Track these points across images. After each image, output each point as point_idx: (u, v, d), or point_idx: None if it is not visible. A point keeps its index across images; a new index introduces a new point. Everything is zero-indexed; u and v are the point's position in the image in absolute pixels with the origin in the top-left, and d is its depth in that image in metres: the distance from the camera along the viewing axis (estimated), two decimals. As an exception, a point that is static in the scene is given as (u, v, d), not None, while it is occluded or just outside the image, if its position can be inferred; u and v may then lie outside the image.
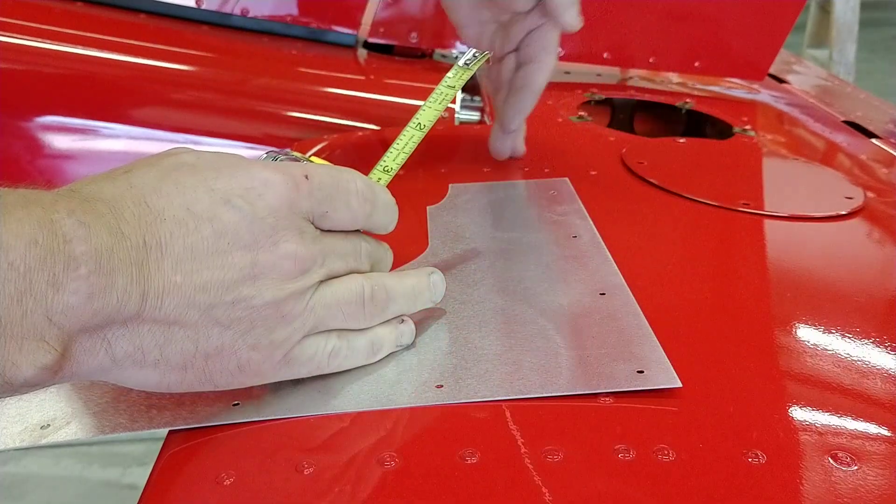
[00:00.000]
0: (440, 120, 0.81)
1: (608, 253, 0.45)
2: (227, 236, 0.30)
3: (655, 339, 0.36)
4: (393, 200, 0.37)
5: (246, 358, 0.31)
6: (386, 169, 0.40)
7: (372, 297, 0.35)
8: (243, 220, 0.30)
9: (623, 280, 0.42)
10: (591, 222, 0.49)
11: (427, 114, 0.40)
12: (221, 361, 0.31)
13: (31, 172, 0.80)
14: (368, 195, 0.35)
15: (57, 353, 0.27)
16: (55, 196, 0.28)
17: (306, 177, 0.32)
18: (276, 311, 0.31)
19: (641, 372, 0.34)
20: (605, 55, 0.92)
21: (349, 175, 0.35)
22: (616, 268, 0.43)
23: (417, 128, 0.40)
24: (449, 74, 0.42)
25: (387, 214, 0.36)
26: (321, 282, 0.33)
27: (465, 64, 0.41)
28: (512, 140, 0.59)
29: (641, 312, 0.39)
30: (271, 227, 0.31)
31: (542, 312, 0.39)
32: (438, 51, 1.00)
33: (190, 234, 0.29)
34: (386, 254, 0.38)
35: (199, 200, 0.30)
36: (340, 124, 0.79)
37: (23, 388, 0.27)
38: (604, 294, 0.41)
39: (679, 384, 0.33)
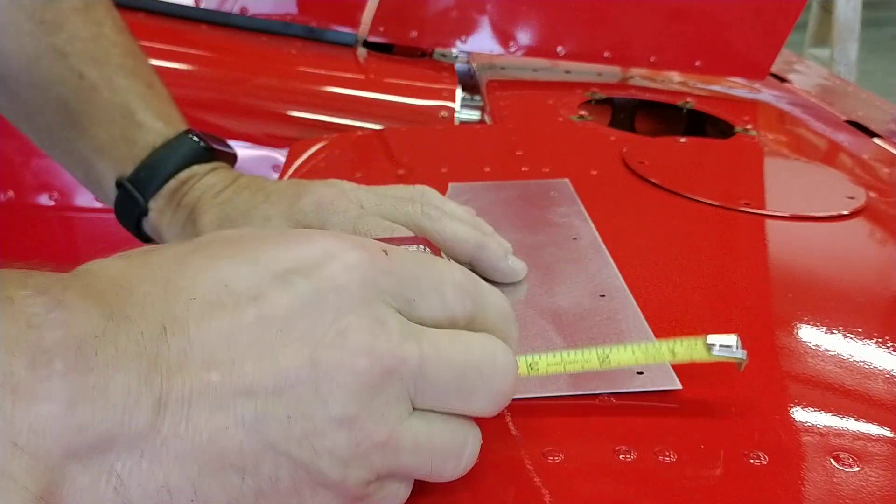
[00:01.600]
0: (440, 120, 0.81)
1: (608, 255, 0.45)
2: (278, 323, 0.22)
3: (655, 340, 0.36)
4: (508, 305, 0.27)
5: (310, 495, 0.23)
6: (532, 365, 0.30)
7: (471, 455, 0.25)
8: (298, 302, 0.22)
9: (623, 282, 0.42)
10: (592, 224, 0.49)
11: (622, 354, 0.31)
12: (279, 501, 0.22)
13: (24, 174, 0.80)
14: (469, 287, 0.25)
15: (33, 496, 0.19)
16: (24, 273, 0.21)
17: (385, 252, 0.24)
18: (347, 435, 0.22)
19: (641, 373, 0.34)
20: (605, 54, 0.92)
21: (444, 263, 0.26)
22: (616, 270, 0.43)
23: (601, 360, 0.31)
24: (680, 343, 0.31)
25: (500, 317, 0.26)
26: (415, 409, 0.24)
27: (711, 347, 0.30)
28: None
29: (641, 314, 0.38)
30: (334, 311, 0.22)
31: (542, 313, 0.39)
32: (438, 50, 0.99)
33: (227, 316, 0.22)
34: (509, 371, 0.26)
35: (239, 275, 0.22)
36: (340, 124, 0.79)
37: None
38: (604, 296, 0.40)
39: (679, 386, 0.33)
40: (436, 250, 0.28)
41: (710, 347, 0.30)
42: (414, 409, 0.24)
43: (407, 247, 0.27)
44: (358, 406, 0.22)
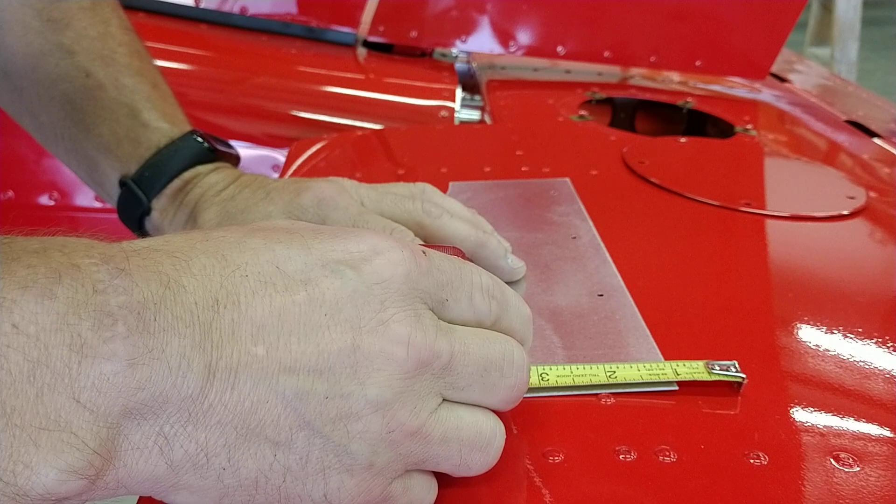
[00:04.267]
0: (440, 119, 0.81)
1: (607, 254, 0.45)
2: (325, 306, 0.23)
3: (652, 340, 0.36)
4: (528, 311, 0.29)
5: (336, 484, 0.23)
6: (543, 375, 0.33)
7: (498, 448, 0.26)
8: (345, 289, 0.23)
9: (622, 282, 0.42)
10: (591, 223, 0.49)
11: (628, 371, 0.33)
12: (305, 483, 0.23)
13: (36, 172, 0.80)
14: (496, 293, 0.27)
15: (91, 451, 0.19)
16: (89, 243, 0.22)
17: (424, 253, 0.26)
18: (381, 420, 0.23)
19: None
20: (606, 54, 0.92)
21: (472, 266, 0.27)
22: (615, 269, 0.43)
23: (609, 376, 0.33)
24: (683, 365, 0.33)
25: (520, 323, 0.28)
26: (444, 400, 0.25)
27: (710, 368, 0.33)
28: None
29: (639, 314, 0.38)
30: (380, 303, 0.24)
31: (540, 312, 0.39)
32: (438, 49, 0.99)
33: (278, 294, 0.23)
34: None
35: (292, 259, 0.24)
36: (340, 123, 0.79)
37: (44, 500, 0.19)
38: (602, 295, 0.40)
39: (675, 387, 0.33)
40: (466, 258, 0.29)
41: (710, 369, 0.33)
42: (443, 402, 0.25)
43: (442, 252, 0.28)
44: (392, 392, 0.23)
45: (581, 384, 0.33)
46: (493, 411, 0.27)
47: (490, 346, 0.26)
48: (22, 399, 0.19)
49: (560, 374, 0.33)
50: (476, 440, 0.25)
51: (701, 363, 0.33)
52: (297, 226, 0.26)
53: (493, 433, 0.26)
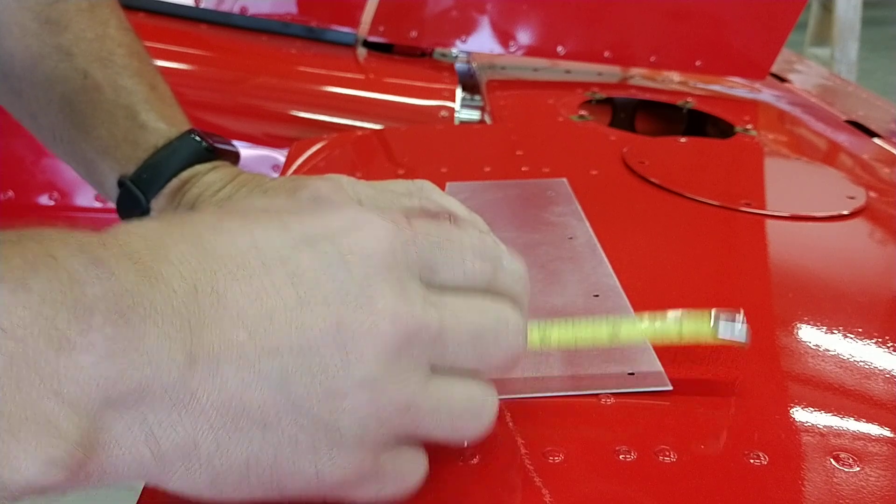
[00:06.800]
0: (440, 119, 0.81)
1: (603, 255, 0.45)
2: (305, 284, 0.23)
3: (647, 341, 0.36)
4: (523, 270, 0.28)
5: (327, 461, 0.23)
6: (543, 338, 0.31)
7: (490, 416, 0.26)
8: (326, 266, 0.23)
9: (617, 282, 0.42)
10: (588, 224, 0.49)
11: (631, 328, 0.32)
12: (296, 462, 0.23)
13: (35, 172, 0.80)
14: (490, 254, 0.26)
15: (72, 444, 0.19)
16: (65, 233, 0.21)
17: (409, 222, 0.25)
18: (369, 396, 0.23)
19: (632, 374, 0.34)
20: (605, 54, 0.92)
21: (466, 232, 0.27)
22: (611, 270, 0.43)
23: (611, 335, 0.31)
24: (688, 323, 0.32)
25: (515, 282, 0.27)
26: (434, 371, 0.25)
27: (716, 320, 0.31)
28: None
29: (634, 314, 0.38)
30: (363, 277, 0.23)
31: (536, 312, 0.38)
32: (438, 49, 0.99)
33: (257, 276, 0.22)
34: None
35: (269, 239, 0.23)
36: (340, 123, 0.79)
37: (25, 492, 0.19)
38: (597, 296, 0.40)
39: (669, 387, 0.33)
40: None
41: (716, 324, 0.31)
42: (433, 372, 0.24)
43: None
44: (380, 368, 0.23)
45: (583, 347, 0.31)
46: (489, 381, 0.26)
47: (482, 313, 0.25)
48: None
49: (562, 337, 0.31)
50: (467, 409, 0.25)
51: (706, 323, 0.31)
52: (275, 205, 0.25)
53: (483, 401, 0.26)
